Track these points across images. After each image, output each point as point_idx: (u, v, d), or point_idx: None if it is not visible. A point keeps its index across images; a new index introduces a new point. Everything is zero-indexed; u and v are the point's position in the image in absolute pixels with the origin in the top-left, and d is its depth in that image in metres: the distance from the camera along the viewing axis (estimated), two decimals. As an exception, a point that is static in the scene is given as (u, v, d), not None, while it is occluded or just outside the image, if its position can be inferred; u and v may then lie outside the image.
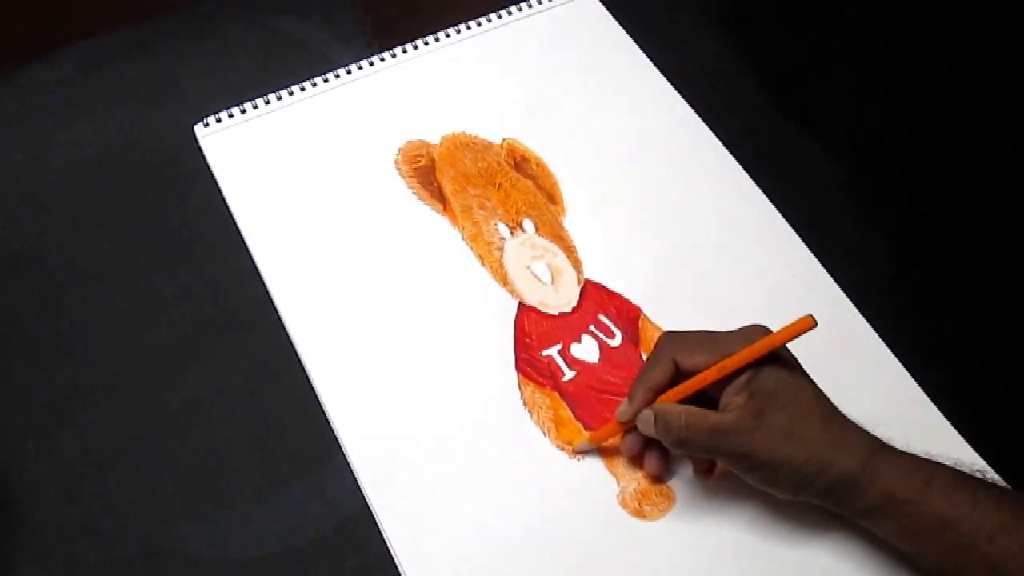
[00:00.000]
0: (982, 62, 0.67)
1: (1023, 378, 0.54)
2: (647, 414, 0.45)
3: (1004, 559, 0.41)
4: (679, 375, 0.46)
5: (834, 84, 0.66)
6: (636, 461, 0.49)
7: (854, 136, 0.63)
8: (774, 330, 0.44)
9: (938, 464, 0.43)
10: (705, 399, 0.45)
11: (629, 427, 0.47)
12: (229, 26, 0.63)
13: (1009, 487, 0.45)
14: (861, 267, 0.57)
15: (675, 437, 0.44)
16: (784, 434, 0.43)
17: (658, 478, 0.49)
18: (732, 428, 0.43)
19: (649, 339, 0.53)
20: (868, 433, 0.44)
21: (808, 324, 0.43)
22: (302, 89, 0.59)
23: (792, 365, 0.45)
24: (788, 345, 0.44)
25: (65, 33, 0.61)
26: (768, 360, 0.44)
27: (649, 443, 0.48)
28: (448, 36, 0.63)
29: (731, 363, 0.44)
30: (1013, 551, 0.40)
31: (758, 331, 0.45)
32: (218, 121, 0.58)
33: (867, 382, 0.52)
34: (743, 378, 0.44)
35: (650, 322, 0.54)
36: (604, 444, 0.49)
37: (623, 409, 0.47)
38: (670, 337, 0.47)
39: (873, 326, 0.54)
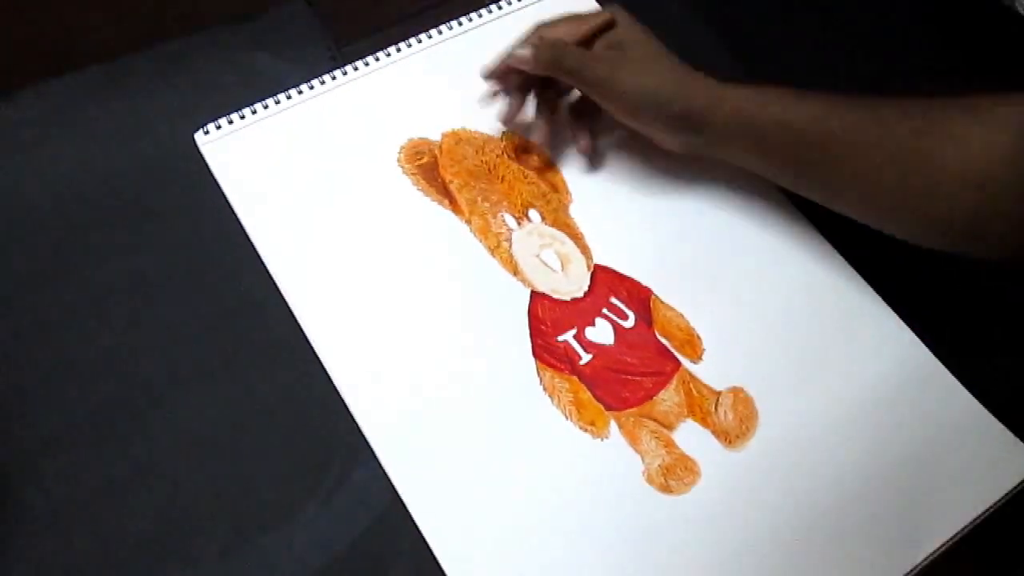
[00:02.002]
0: (955, 37, 0.69)
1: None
2: (526, 49, 0.54)
3: (830, 140, 0.49)
4: None
5: (832, 79, 0.66)
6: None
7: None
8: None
9: (773, 85, 0.51)
10: None
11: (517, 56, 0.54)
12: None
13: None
14: (861, 238, 0.58)
15: (554, 57, 0.53)
16: (641, 66, 0.52)
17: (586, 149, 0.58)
18: (597, 56, 0.53)
19: (662, 319, 0.54)
20: (717, 78, 0.52)
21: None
22: (300, 92, 0.60)
23: (644, 28, 0.54)
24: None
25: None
26: (624, 25, 0.54)
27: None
28: (441, 33, 0.63)
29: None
30: (836, 130, 0.49)
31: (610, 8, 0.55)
32: (218, 128, 0.58)
33: (878, 352, 0.54)
34: (604, 37, 0.54)
35: (662, 302, 0.55)
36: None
37: (515, 44, 0.55)
38: (540, 24, 0.56)
39: (881, 294, 0.56)
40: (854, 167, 0.48)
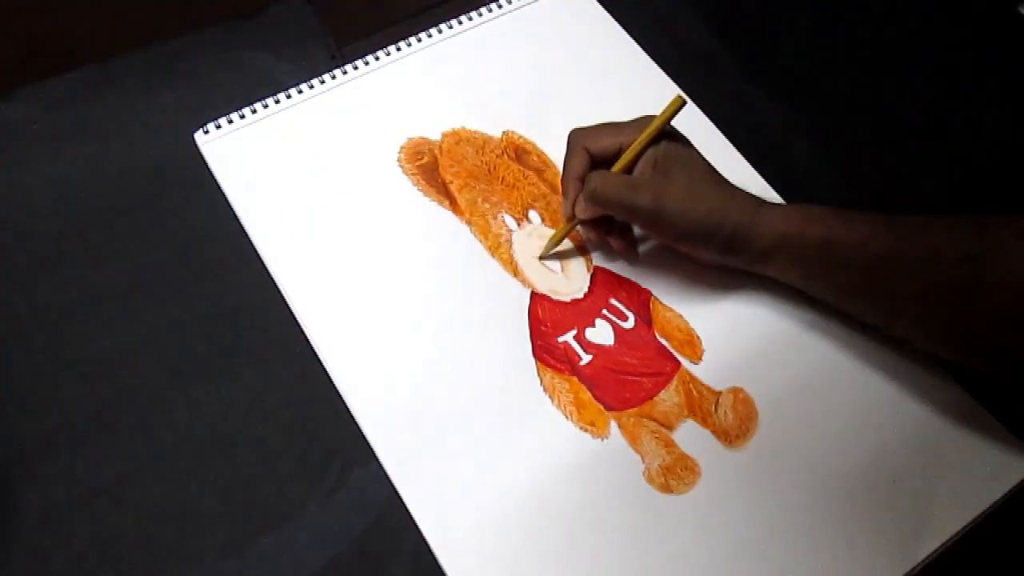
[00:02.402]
0: (959, 37, 0.69)
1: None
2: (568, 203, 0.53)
3: (878, 265, 0.47)
4: (594, 163, 0.53)
5: (831, 74, 0.67)
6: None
7: (848, 120, 0.64)
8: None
9: (813, 205, 0.50)
10: None
11: (576, 220, 0.54)
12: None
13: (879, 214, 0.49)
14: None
15: (598, 193, 0.51)
16: (686, 191, 0.50)
17: (626, 253, 0.55)
18: (643, 184, 0.50)
19: (662, 319, 0.54)
20: (752, 194, 0.51)
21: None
22: (300, 92, 0.60)
23: (685, 141, 0.52)
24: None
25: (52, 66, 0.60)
26: (664, 139, 0.51)
27: (608, 229, 0.55)
28: (441, 32, 0.63)
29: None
30: (883, 255, 0.47)
31: (647, 118, 0.52)
32: (218, 127, 0.58)
33: (877, 351, 0.54)
34: (646, 155, 0.51)
35: (661, 303, 0.55)
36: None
37: (564, 205, 0.54)
38: (577, 131, 0.54)
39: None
40: (903, 292, 0.47)
